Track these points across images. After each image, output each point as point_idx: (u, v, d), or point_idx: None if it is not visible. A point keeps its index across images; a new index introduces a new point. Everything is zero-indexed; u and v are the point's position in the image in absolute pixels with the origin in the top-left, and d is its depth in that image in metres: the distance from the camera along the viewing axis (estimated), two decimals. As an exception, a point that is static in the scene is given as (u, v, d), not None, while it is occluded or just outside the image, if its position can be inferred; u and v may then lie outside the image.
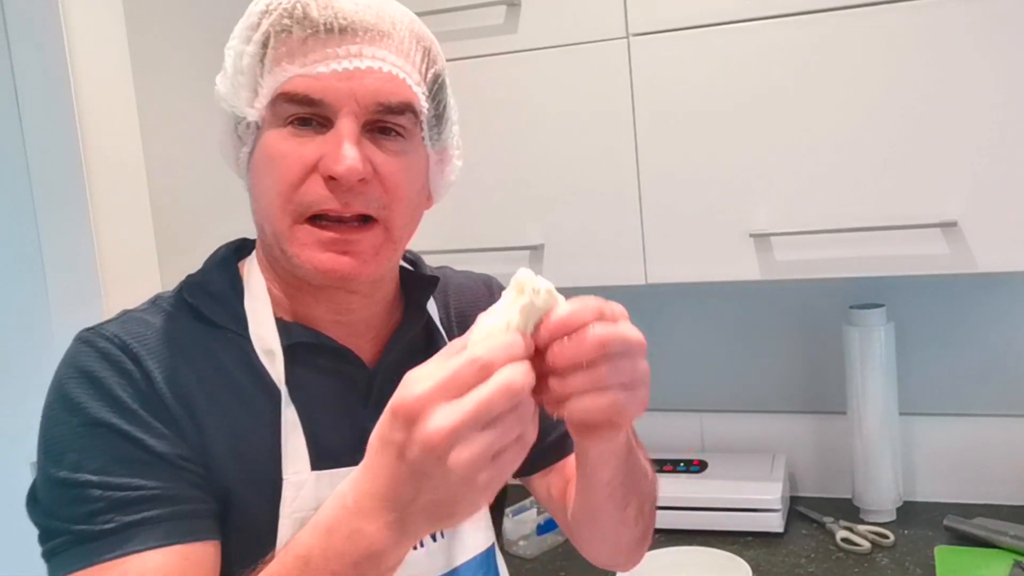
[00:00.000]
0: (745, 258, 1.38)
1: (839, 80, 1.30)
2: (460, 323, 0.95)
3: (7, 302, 1.49)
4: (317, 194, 0.74)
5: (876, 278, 1.54)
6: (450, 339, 0.90)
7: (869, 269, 1.33)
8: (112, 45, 1.50)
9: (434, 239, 1.53)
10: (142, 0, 1.53)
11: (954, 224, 1.27)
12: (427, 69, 0.79)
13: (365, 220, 0.76)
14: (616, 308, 0.64)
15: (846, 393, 1.57)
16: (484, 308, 0.95)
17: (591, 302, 0.63)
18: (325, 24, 0.74)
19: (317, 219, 0.75)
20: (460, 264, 1.54)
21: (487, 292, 0.99)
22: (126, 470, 0.71)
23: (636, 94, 1.40)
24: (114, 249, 1.44)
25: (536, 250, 1.48)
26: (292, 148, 0.75)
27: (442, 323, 0.93)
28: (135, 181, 1.50)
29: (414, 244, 1.54)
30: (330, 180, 0.74)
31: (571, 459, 0.95)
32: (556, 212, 1.47)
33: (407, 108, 0.76)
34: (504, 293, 0.63)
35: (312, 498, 0.77)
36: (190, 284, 0.83)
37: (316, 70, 0.73)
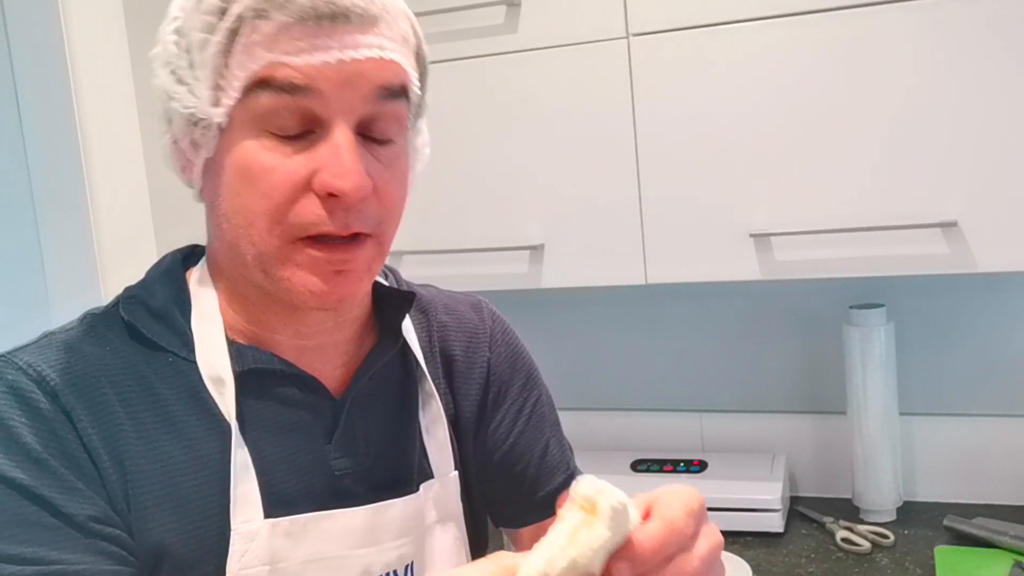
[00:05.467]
0: (745, 258, 1.38)
1: (839, 80, 1.30)
2: (442, 348, 0.85)
3: (7, 302, 1.49)
4: (313, 215, 0.65)
5: (876, 278, 1.54)
6: (429, 367, 0.82)
7: (869, 269, 1.33)
8: (112, 45, 1.50)
9: (434, 239, 1.53)
10: (142, 0, 1.53)
11: (954, 224, 1.27)
12: (417, 51, 0.71)
13: (357, 235, 0.68)
14: (698, 505, 0.53)
15: (846, 393, 1.57)
16: (469, 334, 0.88)
17: (679, 520, 0.52)
18: (314, 9, 0.62)
19: (308, 238, 0.67)
20: (460, 264, 1.55)
21: (475, 315, 0.89)
22: (24, 536, 0.60)
23: (636, 94, 1.40)
24: (114, 249, 1.44)
25: (536, 250, 1.48)
26: (277, 160, 0.65)
27: (423, 348, 0.83)
28: (135, 181, 1.50)
29: (414, 245, 1.55)
30: (329, 198, 0.65)
31: None
32: (556, 212, 1.47)
33: (406, 90, 0.68)
34: (564, 514, 0.50)
35: (265, 550, 0.67)
36: (127, 298, 0.73)
37: (302, 59, 0.63)
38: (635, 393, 1.78)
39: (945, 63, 1.26)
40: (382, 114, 0.67)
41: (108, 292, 1.41)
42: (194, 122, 0.66)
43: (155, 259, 0.78)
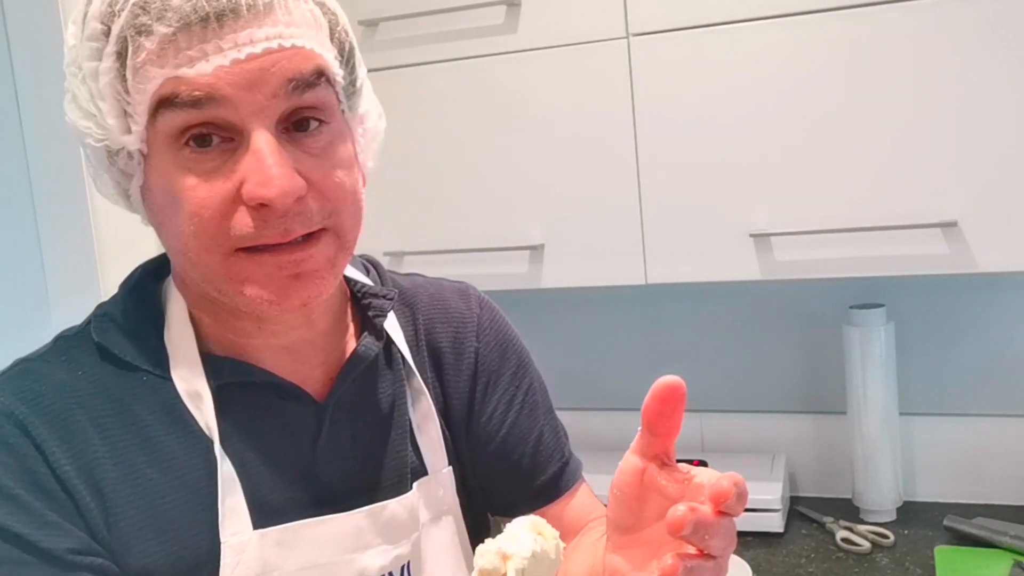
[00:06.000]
0: (745, 258, 1.38)
1: (839, 80, 1.30)
2: (429, 342, 0.83)
3: (7, 302, 1.49)
4: (248, 228, 0.61)
5: (876, 278, 1.54)
6: (416, 361, 0.80)
7: (869, 269, 1.33)
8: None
9: (434, 239, 1.53)
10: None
11: (954, 224, 1.27)
12: (332, 33, 0.66)
13: (307, 235, 0.64)
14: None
15: (846, 393, 1.57)
16: (456, 324, 0.85)
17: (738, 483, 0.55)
18: (195, 11, 0.58)
19: (254, 248, 0.63)
20: (460, 264, 1.55)
21: (462, 303, 0.87)
22: (4, 575, 0.59)
23: (636, 94, 1.40)
24: (114, 249, 1.44)
25: (536, 250, 1.48)
26: (199, 180, 0.61)
27: (409, 343, 0.81)
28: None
29: (414, 245, 1.55)
30: (261, 208, 0.61)
31: (562, 507, 0.87)
32: (556, 212, 1.47)
33: (322, 74, 0.63)
34: None
35: (257, 561, 0.67)
36: (98, 317, 0.71)
37: (196, 69, 0.59)
38: (635, 393, 1.77)
39: (945, 63, 1.25)
40: (303, 105, 0.63)
41: (108, 292, 1.42)
42: (114, 152, 0.64)
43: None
